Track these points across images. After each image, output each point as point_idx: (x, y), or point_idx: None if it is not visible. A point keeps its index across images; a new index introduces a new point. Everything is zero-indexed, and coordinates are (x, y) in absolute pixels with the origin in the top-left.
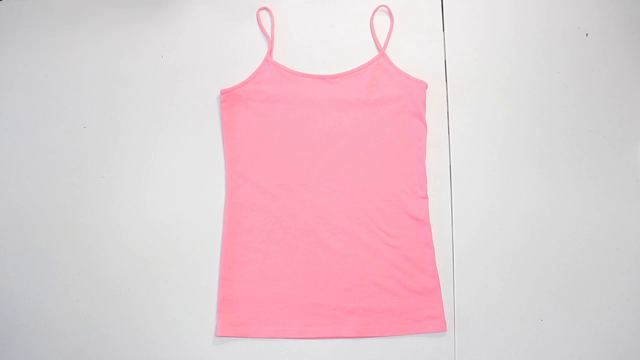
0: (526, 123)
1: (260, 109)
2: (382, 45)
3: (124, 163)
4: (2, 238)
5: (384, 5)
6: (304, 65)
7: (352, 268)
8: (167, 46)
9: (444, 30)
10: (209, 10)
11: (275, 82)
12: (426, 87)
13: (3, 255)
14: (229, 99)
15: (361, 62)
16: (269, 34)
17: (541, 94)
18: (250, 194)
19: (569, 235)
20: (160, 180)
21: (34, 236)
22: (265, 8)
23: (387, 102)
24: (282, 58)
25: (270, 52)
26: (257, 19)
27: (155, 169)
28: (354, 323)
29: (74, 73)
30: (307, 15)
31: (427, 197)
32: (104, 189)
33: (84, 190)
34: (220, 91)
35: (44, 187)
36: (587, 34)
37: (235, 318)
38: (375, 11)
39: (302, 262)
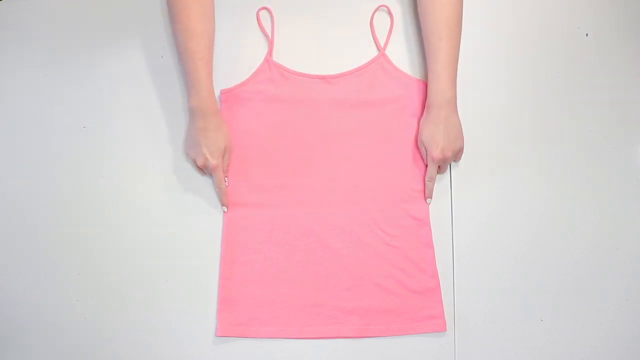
0: (526, 123)
1: (260, 109)
2: (382, 45)
3: (124, 163)
4: (2, 238)
5: (384, 5)
6: (304, 65)
7: (352, 268)
8: (167, 46)
9: None
10: None
11: (275, 82)
12: (426, 87)
13: (3, 255)
14: (229, 99)
15: (361, 62)
16: (269, 34)
17: (541, 94)
18: (250, 193)
19: (569, 235)
20: (160, 180)
21: (34, 236)
22: (265, 8)
23: (387, 102)
24: (282, 58)
25: (270, 52)
26: (257, 19)
27: (155, 169)
28: (354, 323)
29: (74, 73)
30: (307, 15)
31: None
32: (104, 189)
33: (84, 190)
34: (220, 91)
35: (44, 187)
36: (587, 34)
37: (235, 318)
38: (375, 11)
39: (302, 262)
